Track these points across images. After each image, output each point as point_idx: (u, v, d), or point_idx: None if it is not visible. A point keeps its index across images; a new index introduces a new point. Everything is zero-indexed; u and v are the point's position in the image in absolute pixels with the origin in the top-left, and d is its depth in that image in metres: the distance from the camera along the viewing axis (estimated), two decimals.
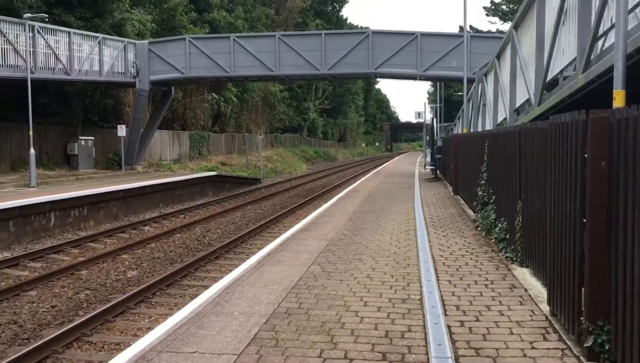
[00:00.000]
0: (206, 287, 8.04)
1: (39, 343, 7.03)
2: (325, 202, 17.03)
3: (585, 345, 4.30)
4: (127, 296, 9.12)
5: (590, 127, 4.22)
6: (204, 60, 25.90)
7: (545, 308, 5.56)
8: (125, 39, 26.21)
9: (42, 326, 8.15)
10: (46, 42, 21.14)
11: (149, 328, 7.23)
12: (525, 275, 6.92)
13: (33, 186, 18.45)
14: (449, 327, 5.15)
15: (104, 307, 8.51)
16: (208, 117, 40.67)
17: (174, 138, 35.37)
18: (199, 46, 25.95)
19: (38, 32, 20.56)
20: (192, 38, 26.53)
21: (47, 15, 20.95)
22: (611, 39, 5.94)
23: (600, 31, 6.09)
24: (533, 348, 4.63)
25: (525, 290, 6.32)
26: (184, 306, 6.22)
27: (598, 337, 4.19)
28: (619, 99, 4.93)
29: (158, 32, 32.89)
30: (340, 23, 77.11)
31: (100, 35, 24.22)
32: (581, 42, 6.52)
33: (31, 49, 20.11)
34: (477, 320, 5.34)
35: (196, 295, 7.40)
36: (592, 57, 6.30)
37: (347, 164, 58.55)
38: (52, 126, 25.11)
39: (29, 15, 19.27)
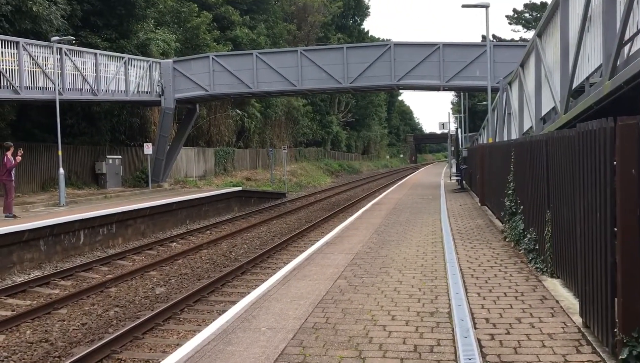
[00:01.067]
0: (233, 303, 8.06)
1: (70, 361, 7.10)
2: (351, 215, 16.98)
3: (620, 357, 4.19)
4: (156, 313, 9.18)
5: (619, 134, 4.15)
6: (227, 77, 26.18)
7: (578, 319, 5.44)
8: (150, 59, 26.65)
9: (73, 344, 8.24)
10: (73, 63, 21.58)
11: (178, 345, 7.27)
12: (556, 286, 6.78)
13: (63, 206, 18.77)
14: (479, 340, 5.07)
15: (133, 324, 8.58)
16: (232, 133, 41.01)
17: (200, 155, 35.72)
18: (222, 63, 26.26)
19: (65, 54, 21.03)
20: (215, 56, 26.86)
21: (74, 38, 21.45)
22: (638, 44, 5.84)
23: (626, 37, 5.99)
24: (566, 361, 4.53)
25: (557, 301, 6.19)
26: (211, 322, 6.24)
27: (633, 349, 4.08)
28: None
29: (182, 51, 33.38)
30: (362, 36, 77.28)
31: (126, 56, 24.65)
32: (607, 48, 6.42)
33: (59, 71, 20.56)
34: (508, 333, 5.25)
35: (224, 311, 7.41)
36: (618, 63, 6.20)
37: (372, 177, 58.40)
38: (80, 146, 25.58)
39: (57, 38, 19.74)
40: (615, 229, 4.28)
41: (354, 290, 7.05)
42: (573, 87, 8.27)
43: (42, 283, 11.91)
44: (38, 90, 19.89)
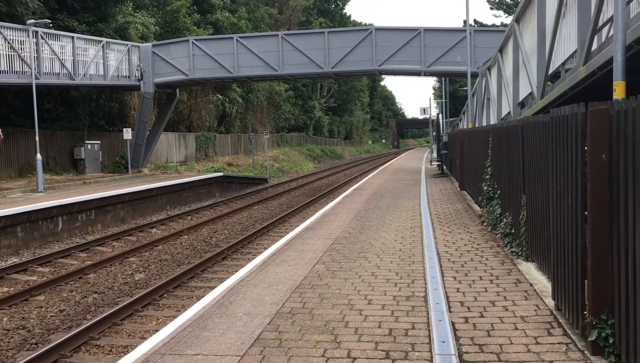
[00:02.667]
0: (213, 288, 8.06)
1: (47, 347, 7.07)
2: (332, 200, 17.02)
3: (589, 339, 4.28)
4: (135, 299, 9.15)
5: (590, 119, 4.20)
6: (207, 61, 25.91)
7: (550, 302, 5.54)
8: (129, 42, 26.26)
9: (51, 330, 8.20)
10: (50, 47, 21.20)
11: (156, 331, 7.25)
12: (530, 270, 6.89)
13: (41, 191, 18.55)
14: (453, 323, 5.14)
15: (112, 310, 8.55)
16: (213, 119, 40.71)
17: (180, 140, 35.45)
18: (202, 47, 25.97)
19: (42, 37, 20.64)
20: (195, 40, 26.54)
21: (50, 21, 21.03)
22: (611, 30, 5.89)
23: (600, 22, 6.04)
24: (537, 343, 4.61)
25: (531, 284, 6.29)
26: (192, 306, 6.24)
27: (602, 331, 4.17)
28: (619, 90, 4.89)
29: (162, 35, 32.93)
30: (344, 21, 77.01)
31: (104, 40, 24.26)
32: (581, 34, 6.48)
33: (35, 55, 20.19)
34: (482, 316, 5.32)
35: (203, 297, 7.41)
36: (592, 49, 6.26)
37: (354, 162, 58.52)
38: (58, 131, 25.22)
39: (33, 21, 19.35)
40: (586, 213, 4.35)
41: (331, 275, 7.09)
42: (549, 73, 8.34)
43: (19, 270, 11.79)
44: (14, 74, 19.53)
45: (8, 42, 19.16)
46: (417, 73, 25.25)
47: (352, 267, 7.47)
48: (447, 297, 5.95)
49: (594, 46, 6.39)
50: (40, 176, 18.88)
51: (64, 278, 10.94)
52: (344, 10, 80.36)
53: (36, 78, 19.73)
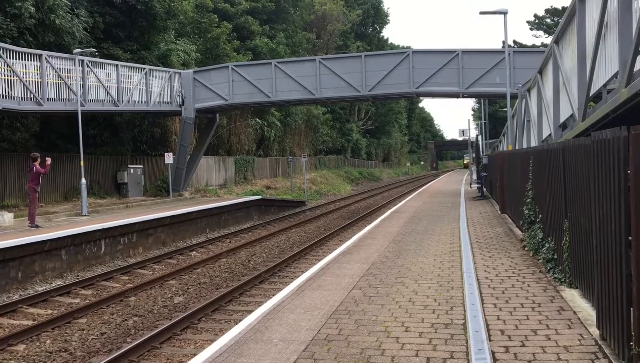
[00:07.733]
0: (250, 312, 8.07)
1: None
2: (369, 223, 16.93)
3: None
4: (174, 323, 9.23)
5: (632, 143, 4.09)
6: (246, 86, 26.34)
7: (595, 331, 5.35)
8: (171, 69, 26.94)
9: (92, 353, 8.33)
10: (95, 75, 21.91)
11: (194, 355, 7.29)
12: (574, 297, 6.68)
13: (85, 215, 19.03)
14: (493, 353, 5.01)
15: (151, 334, 8.64)
16: (252, 142, 41.23)
17: (220, 163, 35.96)
18: (242, 72, 26.44)
19: (87, 66, 21.36)
20: (234, 66, 27.05)
21: (96, 50, 21.78)
22: None
23: None
24: None
25: (574, 312, 6.10)
26: (228, 332, 6.26)
27: None
28: None
29: (202, 61, 33.68)
30: (382, 44, 77.22)
31: (147, 67, 24.96)
32: (623, 55, 6.33)
33: (81, 83, 20.90)
34: (523, 346, 5.18)
35: (241, 320, 7.43)
36: (634, 70, 6.11)
37: (392, 184, 58.18)
38: (102, 156, 25.92)
39: (79, 50, 20.07)
40: (630, 239, 4.21)
41: (368, 300, 7.02)
42: (591, 94, 8.17)
43: (63, 293, 12.07)
44: (61, 101, 20.25)
45: (56, 71, 19.90)
46: (455, 95, 25.08)
47: (389, 293, 7.38)
48: (487, 325, 5.81)
49: (637, 67, 6.23)
50: (84, 200, 19.39)
51: (106, 301, 11.14)
52: (382, 34, 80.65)
53: (82, 105, 20.41)
